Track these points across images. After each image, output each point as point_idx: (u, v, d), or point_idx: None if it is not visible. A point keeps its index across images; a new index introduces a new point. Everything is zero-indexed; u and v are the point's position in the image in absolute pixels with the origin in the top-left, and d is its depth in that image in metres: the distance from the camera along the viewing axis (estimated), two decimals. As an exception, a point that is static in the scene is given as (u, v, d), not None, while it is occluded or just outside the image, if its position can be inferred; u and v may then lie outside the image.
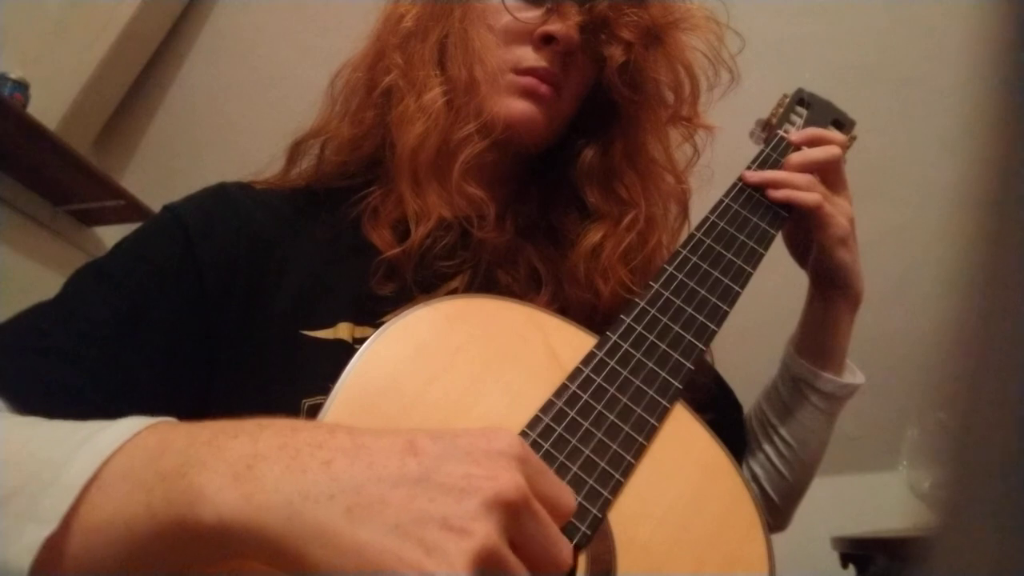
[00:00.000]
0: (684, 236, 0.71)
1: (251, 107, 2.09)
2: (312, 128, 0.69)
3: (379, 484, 0.32)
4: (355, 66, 0.69)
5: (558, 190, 0.70)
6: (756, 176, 0.68)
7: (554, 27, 0.62)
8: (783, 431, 0.75)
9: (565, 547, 0.35)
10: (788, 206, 0.68)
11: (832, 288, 0.71)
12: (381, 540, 0.30)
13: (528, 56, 0.63)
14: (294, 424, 0.36)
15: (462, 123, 0.62)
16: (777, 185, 0.67)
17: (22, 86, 1.87)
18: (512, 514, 0.32)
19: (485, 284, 0.62)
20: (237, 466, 0.32)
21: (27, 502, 0.32)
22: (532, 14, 0.63)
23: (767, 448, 0.76)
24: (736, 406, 0.79)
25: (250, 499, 0.31)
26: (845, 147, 0.72)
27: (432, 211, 0.60)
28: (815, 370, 0.73)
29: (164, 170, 2.25)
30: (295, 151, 0.69)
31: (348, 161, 0.67)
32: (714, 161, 0.72)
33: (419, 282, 0.60)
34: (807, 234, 0.71)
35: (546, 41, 0.62)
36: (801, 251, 0.74)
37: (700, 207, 0.71)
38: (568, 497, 0.37)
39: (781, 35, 1.75)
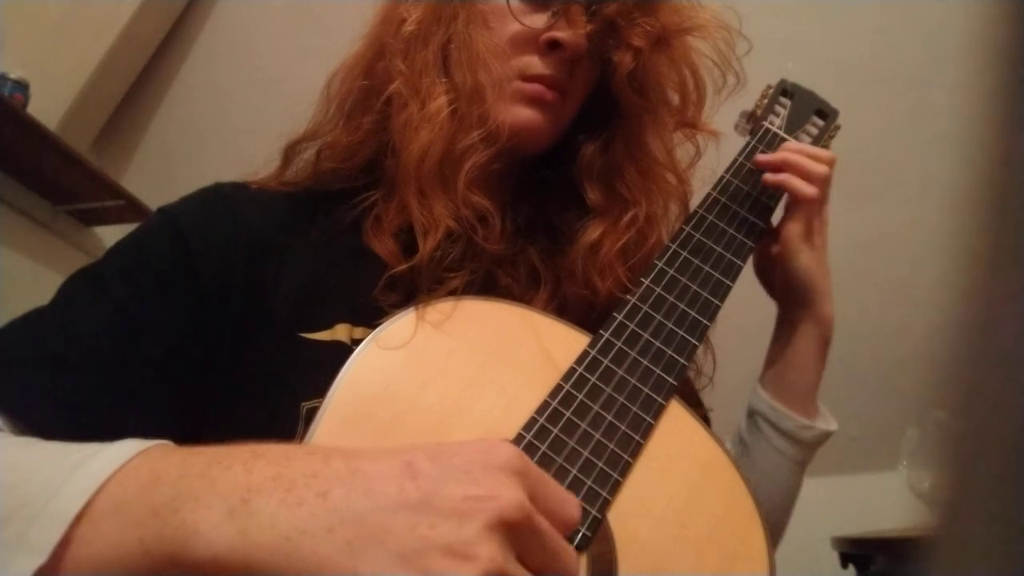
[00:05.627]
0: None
1: (251, 107, 2.09)
2: (307, 131, 0.67)
3: (379, 513, 0.31)
4: (351, 69, 0.67)
5: (556, 187, 0.69)
6: (766, 158, 0.67)
7: (562, 34, 0.60)
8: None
9: (570, 557, 0.35)
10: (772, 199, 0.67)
11: (797, 306, 0.68)
12: (384, 572, 0.30)
13: (534, 63, 0.61)
14: (288, 452, 0.35)
15: (466, 131, 0.60)
16: (778, 168, 0.66)
17: (22, 86, 1.87)
18: (514, 532, 0.32)
19: (485, 285, 0.61)
20: (231, 500, 0.32)
21: (17, 530, 0.32)
22: (538, 17, 0.61)
23: None
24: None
25: (245, 536, 0.31)
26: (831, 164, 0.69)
27: (439, 222, 0.58)
28: (775, 405, 0.67)
29: (164, 170, 2.25)
30: (290, 152, 0.67)
31: (345, 168, 0.66)
32: (714, 160, 0.72)
33: (424, 291, 0.58)
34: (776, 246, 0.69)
35: (552, 46, 0.61)
36: (770, 273, 0.71)
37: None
38: (571, 507, 0.37)
39: (782, 34, 1.75)
